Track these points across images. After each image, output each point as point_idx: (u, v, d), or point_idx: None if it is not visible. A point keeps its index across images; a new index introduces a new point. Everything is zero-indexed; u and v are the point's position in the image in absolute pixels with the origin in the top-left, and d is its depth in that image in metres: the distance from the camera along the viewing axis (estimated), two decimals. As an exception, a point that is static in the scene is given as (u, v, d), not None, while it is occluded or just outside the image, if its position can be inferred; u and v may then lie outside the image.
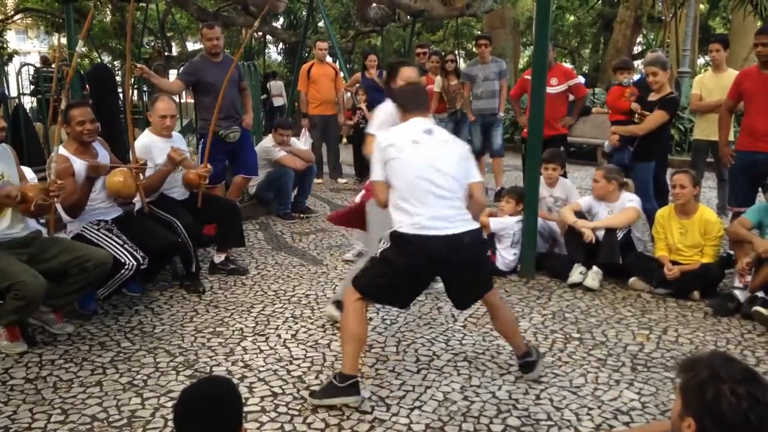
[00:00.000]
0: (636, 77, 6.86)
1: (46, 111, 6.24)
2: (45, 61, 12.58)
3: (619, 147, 5.72)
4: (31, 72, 10.77)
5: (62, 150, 4.10)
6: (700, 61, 20.22)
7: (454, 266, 3.13)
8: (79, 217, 4.20)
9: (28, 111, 7.63)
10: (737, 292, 4.39)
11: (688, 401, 1.67)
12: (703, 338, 3.99)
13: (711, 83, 6.38)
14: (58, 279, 3.65)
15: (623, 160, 5.62)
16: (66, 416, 3.03)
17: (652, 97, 5.54)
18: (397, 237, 3.08)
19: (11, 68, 9.83)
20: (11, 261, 3.51)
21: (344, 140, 9.71)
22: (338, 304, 3.89)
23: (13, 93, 7.99)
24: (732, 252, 4.73)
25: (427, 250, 3.02)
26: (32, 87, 10.29)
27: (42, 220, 4.07)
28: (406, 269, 3.08)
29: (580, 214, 5.04)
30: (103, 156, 4.35)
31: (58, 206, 4.18)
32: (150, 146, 4.68)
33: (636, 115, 5.65)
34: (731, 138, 5.59)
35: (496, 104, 7.93)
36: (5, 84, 7.64)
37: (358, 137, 9.15)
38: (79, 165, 4.14)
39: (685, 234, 4.70)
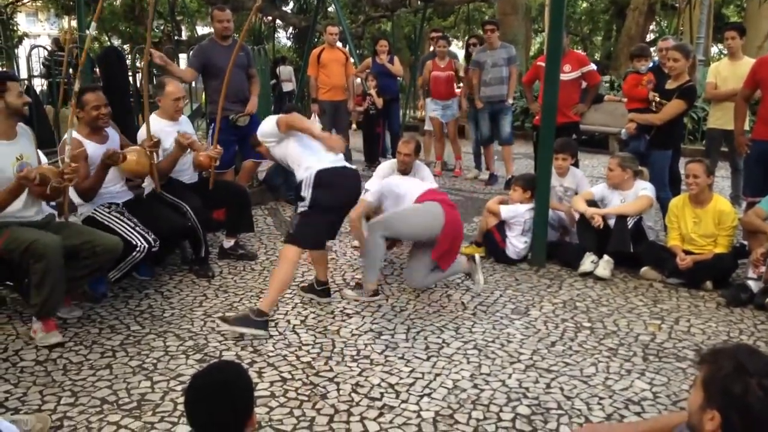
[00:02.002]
0: (649, 64, 6.78)
1: (56, 94, 6.23)
2: (58, 43, 12.51)
3: (636, 135, 5.66)
4: (41, 54, 10.75)
5: (74, 134, 4.09)
6: (714, 49, 20.01)
7: None
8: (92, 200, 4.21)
9: (38, 93, 7.63)
10: (751, 283, 4.34)
11: (711, 394, 1.65)
12: (715, 329, 3.96)
13: (726, 71, 6.30)
14: (67, 262, 3.64)
15: (639, 148, 5.56)
16: (76, 398, 3.04)
17: (670, 84, 5.47)
18: None
19: (21, 51, 9.82)
20: (24, 229, 3.55)
21: (354, 126, 9.66)
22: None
23: (23, 75, 7.97)
24: (746, 242, 4.69)
25: None
26: (44, 69, 10.26)
27: (54, 204, 4.06)
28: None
29: (593, 203, 5.01)
30: (114, 139, 4.35)
31: (71, 189, 4.18)
32: (158, 131, 4.63)
33: (653, 104, 5.57)
34: (747, 127, 5.53)
35: (504, 91, 7.84)
36: (14, 66, 7.64)
37: (368, 123, 9.11)
38: (92, 148, 4.13)
39: (698, 224, 4.65)
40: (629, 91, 6.34)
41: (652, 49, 9.98)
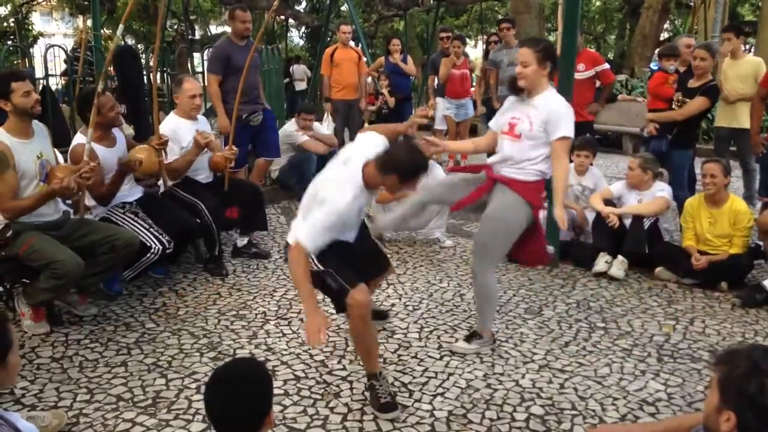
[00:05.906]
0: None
1: (73, 93, 6.27)
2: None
3: (658, 135, 5.63)
4: (56, 53, 10.82)
5: (83, 138, 4.02)
6: (729, 48, 19.83)
7: None
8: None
9: (54, 92, 7.64)
10: (766, 284, 4.31)
11: (727, 395, 1.64)
12: (730, 330, 3.93)
13: (729, 71, 6.27)
14: (85, 259, 3.67)
15: (661, 149, 5.52)
16: (92, 395, 3.06)
17: (692, 83, 5.45)
18: None
19: (36, 50, 9.86)
20: (48, 240, 3.55)
21: (366, 125, 9.66)
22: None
23: (40, 74, 8.02)
24: (761, 243, 4.65)
25: None
26: (65, 67, 10.31)
27: (69, 202, 4.09)
28: None
29: (610, 202, 4.99)
30: (121, 141, 4.36)
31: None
32: (176, 129, 4.68)
33: (677, 103, 5.54)
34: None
35: None
36: (28, 65, 7.69)
37: (380, 122, 9.11)
38: (103, 152, 4.13)
39: (714, 224, 4.62)
40: (655, 89, 6.27)
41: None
